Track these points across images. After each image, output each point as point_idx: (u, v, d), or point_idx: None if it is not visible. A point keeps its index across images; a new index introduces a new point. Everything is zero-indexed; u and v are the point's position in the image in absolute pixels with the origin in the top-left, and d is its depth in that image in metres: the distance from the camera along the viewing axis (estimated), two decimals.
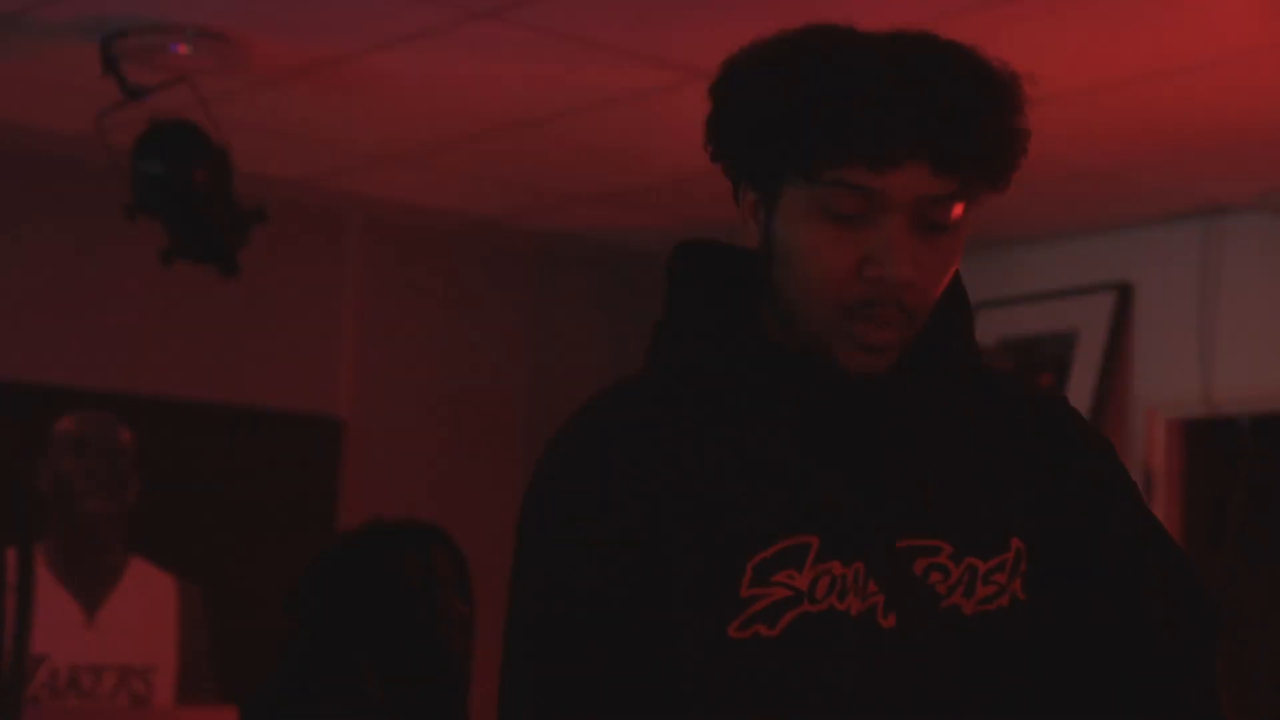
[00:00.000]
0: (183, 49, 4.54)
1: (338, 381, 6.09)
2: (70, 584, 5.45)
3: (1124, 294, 6.32)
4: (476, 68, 4.85)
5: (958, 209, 1.95)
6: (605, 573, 1.99)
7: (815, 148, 1.91)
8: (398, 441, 6.11)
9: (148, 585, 5.57)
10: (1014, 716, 2.02)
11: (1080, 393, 6.25)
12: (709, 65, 4.52)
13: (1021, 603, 1.99)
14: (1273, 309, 6.04)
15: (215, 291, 5.00)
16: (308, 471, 5.95)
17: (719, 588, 1.91)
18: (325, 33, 4.62)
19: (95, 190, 4.87)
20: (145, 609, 5.58)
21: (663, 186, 5.89)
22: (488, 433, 6.32)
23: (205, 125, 4.63)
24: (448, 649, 3.91)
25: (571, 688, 1.99)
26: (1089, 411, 6.17)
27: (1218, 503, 6.34)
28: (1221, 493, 6.24)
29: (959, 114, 1.93)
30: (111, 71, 4.49)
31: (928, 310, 2.01)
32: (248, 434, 5.82)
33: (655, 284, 6.43)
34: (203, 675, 5.66)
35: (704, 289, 2.09)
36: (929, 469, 2.01)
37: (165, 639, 5.61)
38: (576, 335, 6.60)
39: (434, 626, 3.84)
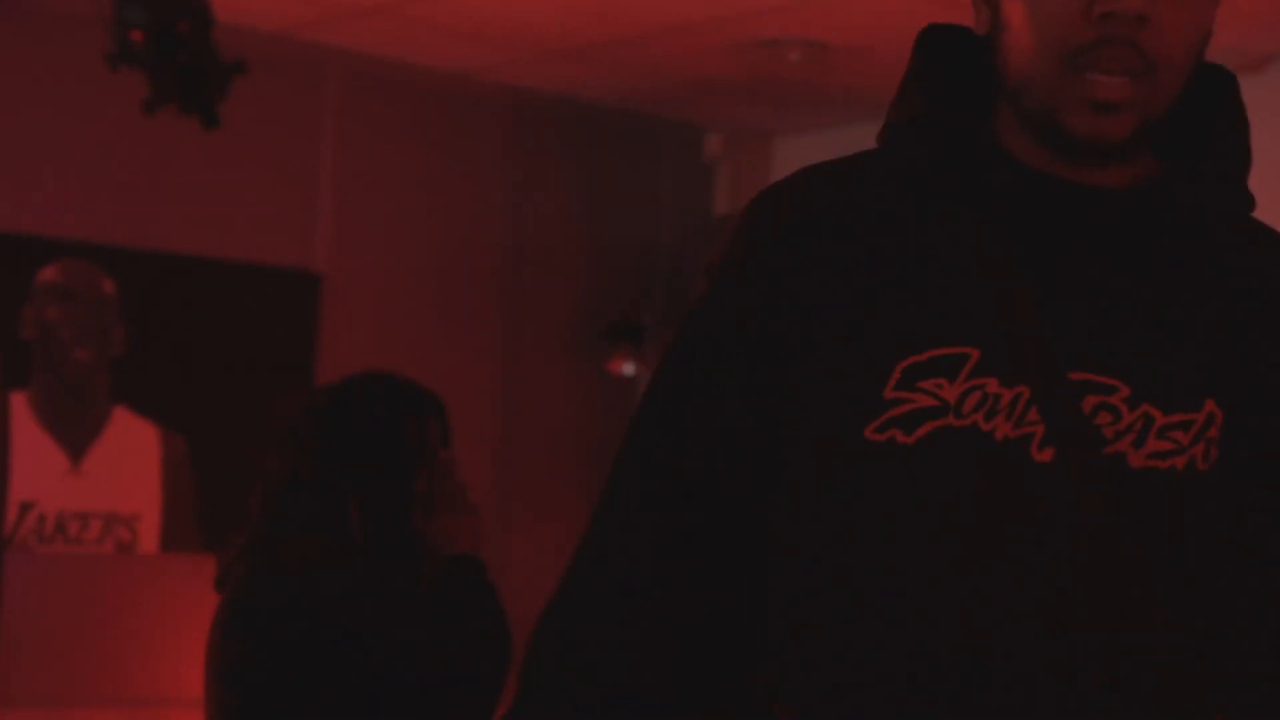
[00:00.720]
0: None
1: (316, 236, 6.05)
2: (56, 432, 5.46)
3: None
4: None
5: None
6: (750, 347, 1.88)
7: None
8: (375, 296, 6.09)
9: (132, 434, 5.59)
10: (1157, 587, 1.82)
11: None
12: None
13: (1201, 472, 1.81)
14: None
15: (196, 144, 4.86)
16: (287, 324, 5.93)
17: (864, 386, 1.79)
18: None
19: (78, 40, 4.78)
20: (130, 457, 5.59)
21: (631, 41, 5.79)
22: (464, 288, 6.28)
23: None
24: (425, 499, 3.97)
25: (681, 460, 1.89)
26: None
27: None
28: None
29: None
30: None
31: (1172, 68, 1.81)
32: (228, 286, 5.78)
33: (625, 139, 6.24)
34: (186, 523, 5.68)
35: (928, 64, 1.96)
36: (1131, 300, 1.83)
37: (149, 487, 5.63)
38: (550, 188, 6.52)
39: (419, 475, 3.95)
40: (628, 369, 6.35)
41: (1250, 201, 1.91)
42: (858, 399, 1.77)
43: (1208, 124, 1.89)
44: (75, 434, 5.53)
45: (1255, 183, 1.96)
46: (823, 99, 5.92)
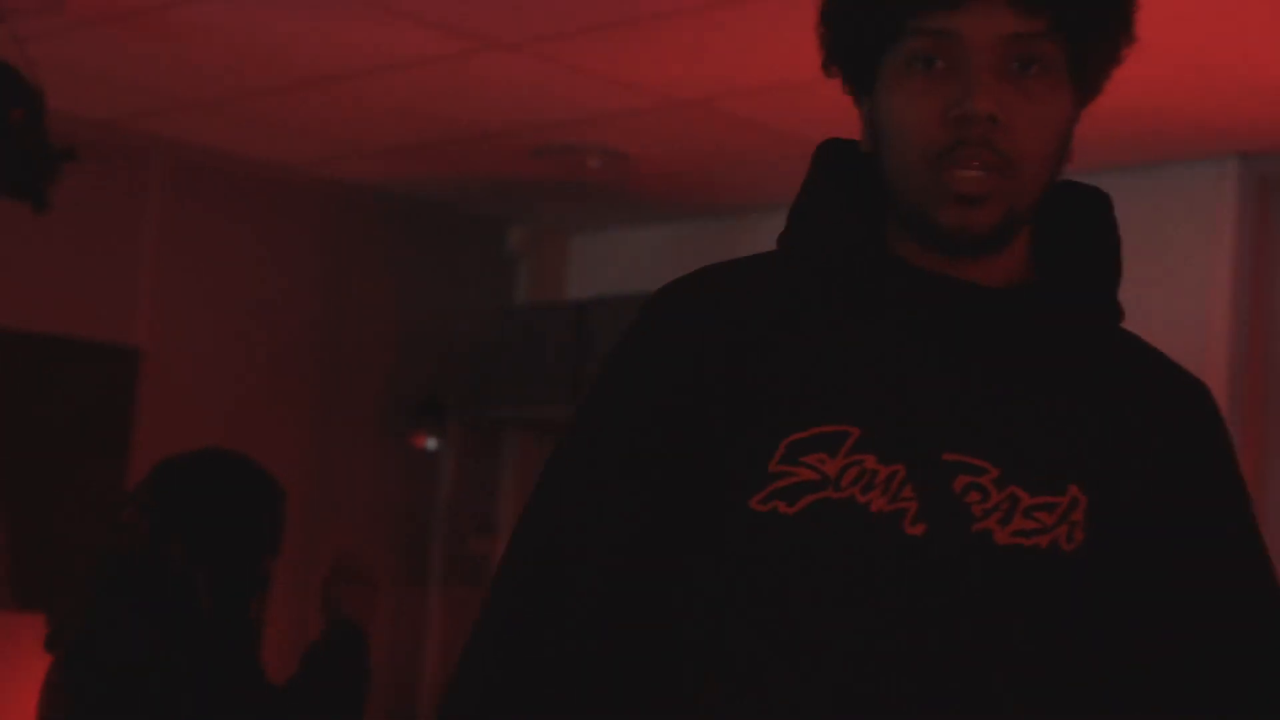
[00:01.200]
0: None
1: (137, 313, 5.98)
2: None
3: None
4: (282, 23, 4.78)
5: (1049, 49, 1.82)
6: (656, 415, 1.92)
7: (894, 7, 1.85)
8: (192, 371, 6.04)
9: None
10: (1015, 661, 1.86)
11: None
12: (496, 35, 4.51)
13: (1064, 551, 1.83)
14: None
15: (21, 221, 4.84)
16: (104, 397, 5.87)
17: (751, 460, 1.83)
18: None
19: None
20: None
21: (442, 143, 5.86)
22: (279, 366, 6.26)
23: (20, 65, 4.52)
24: (266, 584, 3.90)
25: (584, 523, 1.92)
26: None
27: None
28: None
29: None
30: None
31: (1028, 163, 1.84)
32: (47, 360, 5.73)
33: (433, 231, 6.26)
34: (2, 588, 5.68)
35: (821, 175, 2.00)
36: (1004, 390, 1.88)
37: None
38: (362, 275, 6.53)
39: (264, 561, 3.83)
40: (430, 444, 6.35)
41: (1118, 312, 1.94)
42: (746, 472, 1.81)
43: (1082, 238, 1.94)
44: None
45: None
46: (619, 200, 6.02)
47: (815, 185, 1.96)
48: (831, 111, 5.36)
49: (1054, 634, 1.82)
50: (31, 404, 5.74)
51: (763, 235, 6.06)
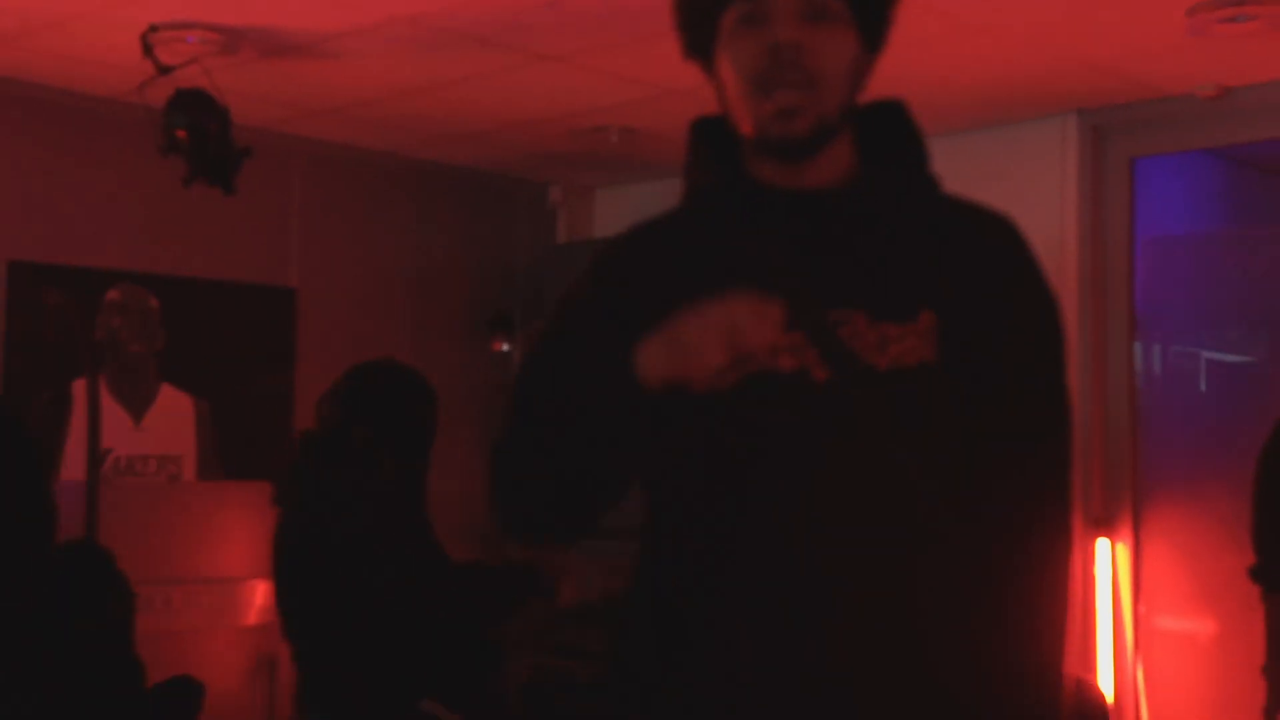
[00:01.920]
0: (193, 40, 4.57)
1: (290, 262, 6.09)
2: (122, 402, 5.58)
3: None
4: (388, 54, 4.84)
5: (835, 3, 1.84)
6: (595, 331, 1.93)
7: None
8: (334, 306, 6.15)
9: (173, 402, 5.72)
10: (912, 448, 1.85)
11: None
12: (541, 50, 4.31)
13: (929, 363, 1.84)
14: None
15: (212, 201, 4.95)
16: (272, 324, 5.99)
17: None
18: (292, 28, 4.60)
19: (137, 138, 4.83)
20: (173, 418, 5.72)
21: (500, 129, 5.85)
22: (394, 298, 6.33)
23: (213, 93, 4.67)
24: (428, 462, 3.99)
25: (544, 390, 1.92)
26: None
27: None
28: None
29: None
30: (148, 55, 4.52)
31: (830, 80, 1.86)
32: (232, 298, 5.88)
33: (501, 193, 6.60)
34: (212, 462, 5.83)
35: (697, 139, 2.01)
36: (857, 257, 1.88)
37: (187, 437, 5.75)
38: (450, 230, 6.56)
39: (426, 442, 3.97)
40: (504, 347, 6.46)
41: (934, 181, 1.96)
42: None
43: (890, 138, 1.96)
44: (135, 403, 5.63)
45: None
46: (632, 164, 6.11)
47: (691, 147, 2.00)
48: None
49: (929, 422, 1.84)
50: (223, 331, 5.86)
51: None
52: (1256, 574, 3.78)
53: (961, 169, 5.76)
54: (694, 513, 1.85)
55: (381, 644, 3.74)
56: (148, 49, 4.53)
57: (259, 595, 5.76)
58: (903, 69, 4.61)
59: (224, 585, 5.70)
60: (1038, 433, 1.90)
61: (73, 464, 5.32)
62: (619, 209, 6.77)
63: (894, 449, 1.81)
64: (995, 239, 1.93)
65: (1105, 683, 5.26)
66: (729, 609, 1.81)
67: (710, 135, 1.95)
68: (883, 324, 1.80)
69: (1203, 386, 5.78)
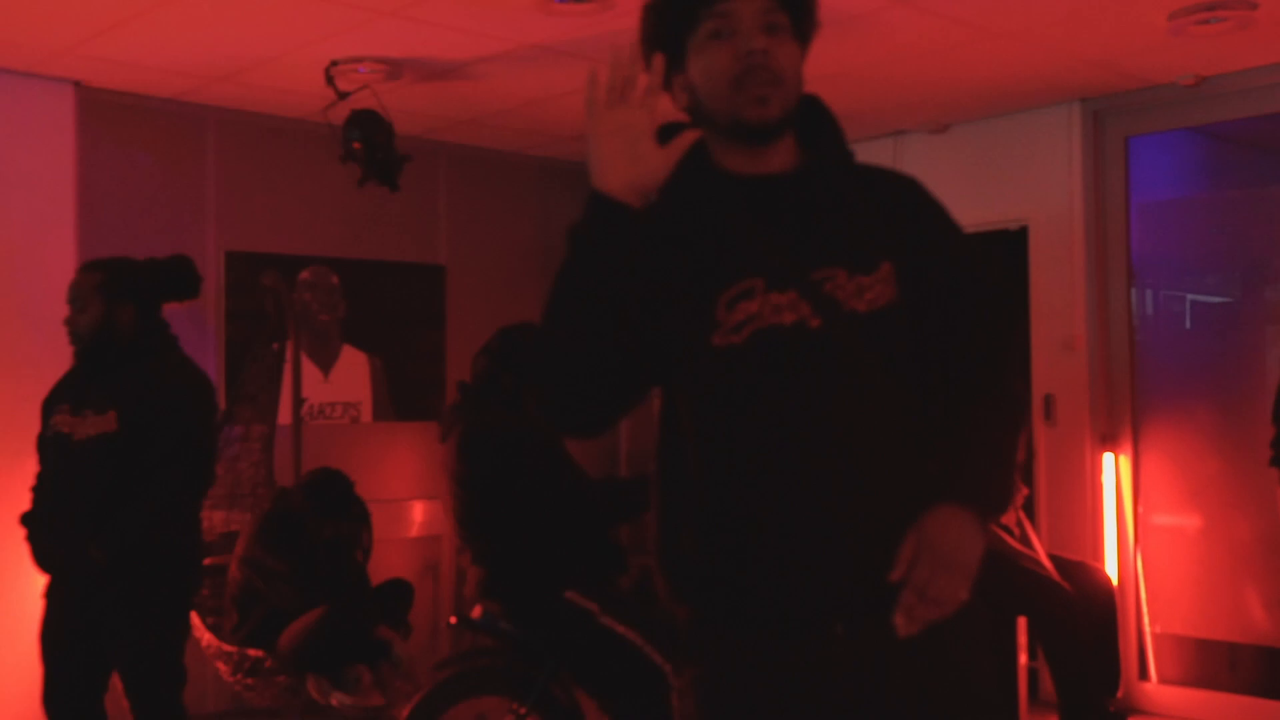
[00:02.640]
0: (362, 70, 4.67)
1: (439, 244, 6.08)
2: (314, 360, 5.64)
3: None
4: (509, 73, 4.81)
5: (782, 19, 1.86)
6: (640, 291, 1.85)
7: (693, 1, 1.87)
8: (474, 278, 6.13)
9: (353, 359, 5.76)
10: (895, 367, 1.87)
11: None
12: None
13: (894, 301, 1.86)
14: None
15: (378, 196, 5.07)
16: (426, 294, 5.98)
17: (698, 314, 1.83)
18: (440, 58, 4.64)
19: (325, 151, 4.96)
20: (353, 371, 5.76)
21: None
22: (518, 273, 6.25)
23: (380, 111, 4.79)
24: None
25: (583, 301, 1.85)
26: None
27: None
28: None
29: None
30: (330, 84, 4.68)
31: (790, 76, 1.88)
32: (397, 275, 5.88)
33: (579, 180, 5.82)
34: (385, 406, 5.85)
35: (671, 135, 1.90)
36: (822, 226, 1.89)
37: (364, 387, 5.79)
38: (557, 211, 6.37)
39: None
40: None
41: (852, 156, 1.96)
42: (698, 322, 1.81)
43: (818, 129, 1.95)
44: (324, 360, 5.68)
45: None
46: None
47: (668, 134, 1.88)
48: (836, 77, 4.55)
49: (898, 344, 1.86)
50: (389, 301, 5.86)
51: None
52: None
53: (985, 148, 5.97)
54: (727, 431, 1.83)
55: (535, 545, 3.74)
56: (330, 79, 4.69)
57: (420, 513, 5.85)
58: (934, 69, 4.86)
59: (393, 505, 5.76)
60: (982, 289, 1.94)
61: (280, 410, 5.34)
62: None
63: (877, 371, 1.83)
64: (910, 195, 1.95)
65: (1110, 568, 5.28)
66: (766, 481, 1.81)
67: (674, 134, 1.88)
68: (857, 276, 1.83)
69: (1188, 324, 5.68)
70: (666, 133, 1.83)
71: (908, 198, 1.95)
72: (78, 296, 3.43)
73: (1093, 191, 5.41)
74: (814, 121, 1.94)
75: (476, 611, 3.88)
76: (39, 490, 3.52)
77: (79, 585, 3.35)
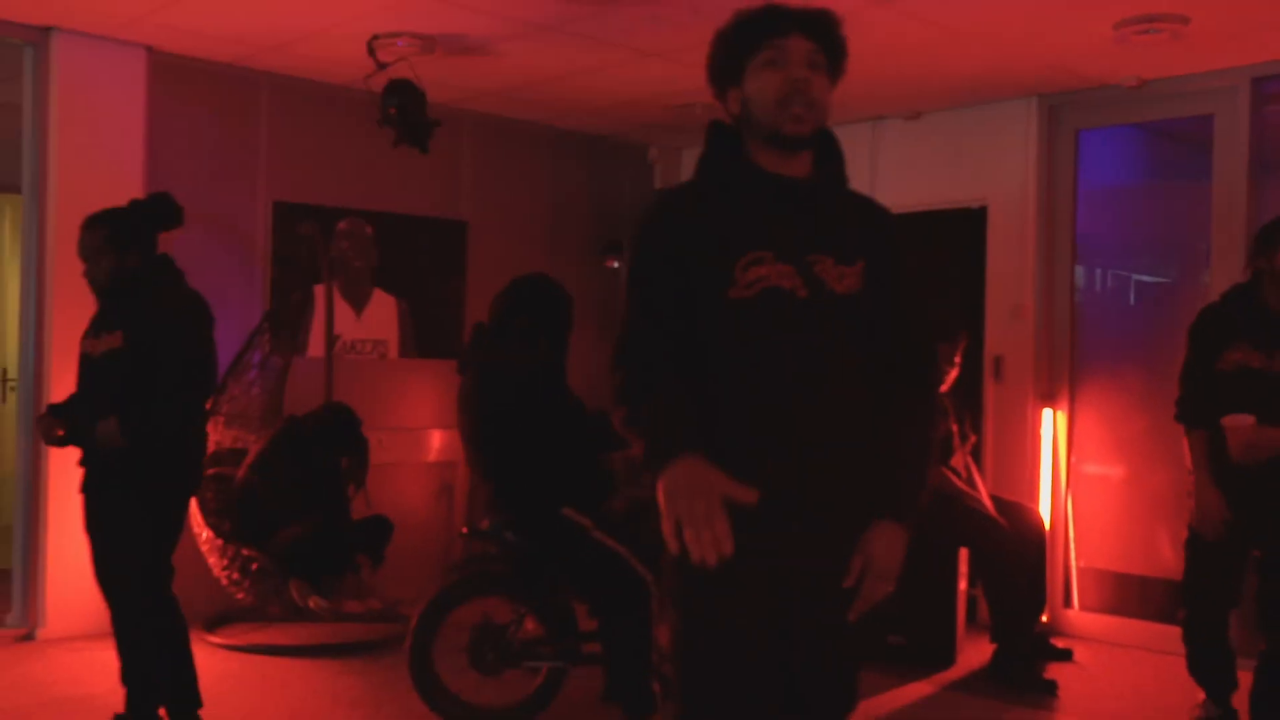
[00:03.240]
0: (400, 44, 4.76)
1: (462, 201, 6.10)
2: (348, 300, 5.71)
3: None
4: (538, 52, 4.87)
5: (820, 58, 2.10)
6: (666, 259, 2.13)
7: (757, 32, 2.12)
8: (495, 233, 6.17)
9: (383, 301, 5.82)
10: (854, 338, 2.11)
11: None
12: (644, 48, 4.40)
13: (862, 289, 2.11)
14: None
15: (408, 160, 5.14)
16: (448, 249, 6.01)
17: (720, 275, 2.07)
18: (469, 34, 4.66)
19: (364, 114, 5.03)
20: (382, 312, 5.82)
21: (616, 105, 5.67)
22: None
23: (415, 81, 4.86)
24: (567, 345, 3.87)
25: (644, 303, 2.12)
26: None
27: None
28: None
29: (813, 16, 2.14)
30: (371, 56, 4.77)
31: (821, 104, 2.10)
32: (420, 230, 5.92)
33: (615, 152, 6.26)
34: (408, 344, 5.90)
35: (715, 136, 2.23)
36: (822, 222, 2.14)
37: (392, 327, 5.84)
38: (578, 178, 6.50)
39: (568, 330, 3.88)
40: (614, 265, 6.37)
41: (845, 181, 2.22)
42: (719, 281, 2.07)
43: (831, 149, 2.19)
44: (357, 302, 5.73)
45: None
46: None
47: (711, 139, 2.21)
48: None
49: (860, 326, 2.12)
50: (416, 251, 5.88)
51: None
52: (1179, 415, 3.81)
53: (953, 135, 6.17)
54: (734, 362, 2.09)
55: (538, 466, 3.79)
56: (371, 51, 4.80)
57: (437, 440, 5.97)
58: (909, 64, 5.07)
59: (413, 433, 5.89)
60: (919, 312, 2.24)
61: (315, 345, 5.56)
62: None
63: (843, 338, 2.10)
64: (886, 222, 2.23)
65: (1044, 509, 5.45)
66: (757, 409, 2.08)
67: (721, 131, 2.19)
68: (840, 266, 2.10)
69: (1125, 300, 5.77)
70: (714, 130, 2.13)
71: (884, 223, 2.22)
72: (89, 252, 3.51)
73: (1045, 177, 5.50)
74: (827, 147, 2.19)
75: (485, 523, 3.99)
76: (71, 398, 3.64)
77: (95, 476, 3.49)
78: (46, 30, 4.86)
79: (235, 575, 4.83)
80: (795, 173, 2.14)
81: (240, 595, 4.89)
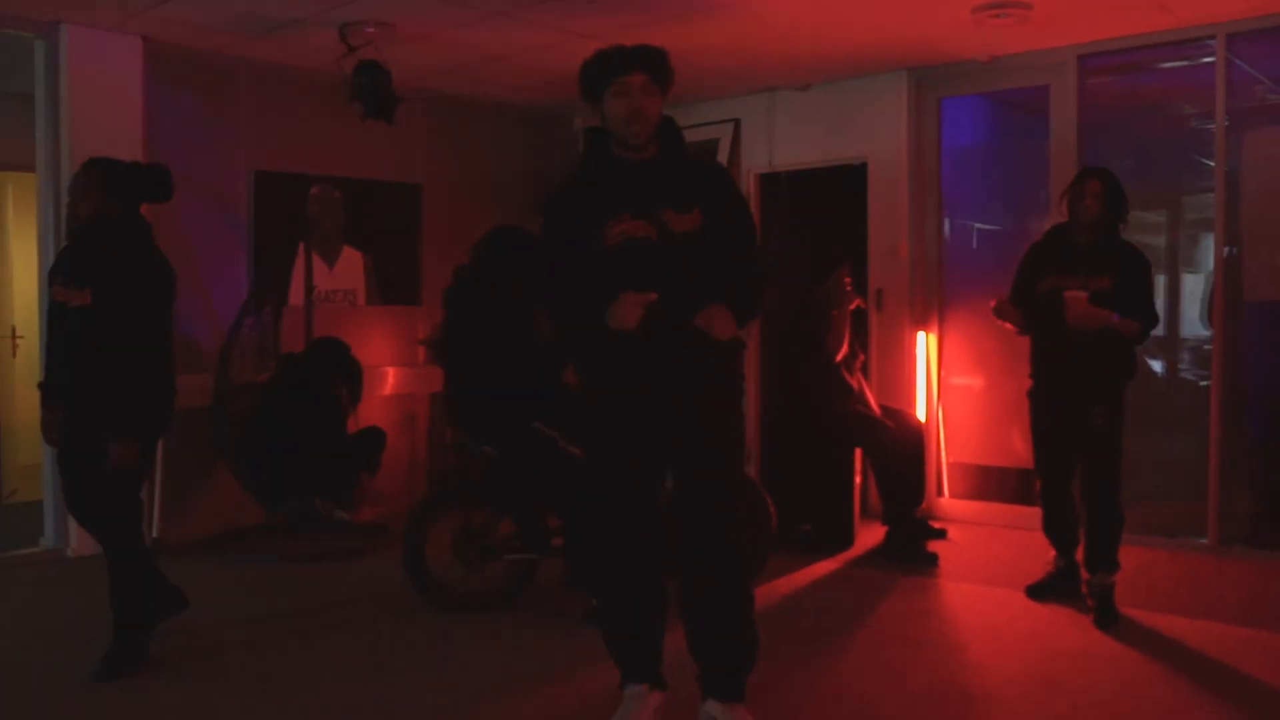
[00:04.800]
0: (370, 30, 4.92)
1: (417, 166, 6.18)
2: (322, 256, 5.82)
3: (737, 125, 6.33)
4: (493, 33, 4.92)
5: (654, 86, 2.62)
6: (561, 227, 2.68)
7: (609, 71, 2.60)
8: (445, 195, 6.23)
9: (351, 256, 5.91)
10: (694, 264, 2.58)
11: (722, 162, 6.16)
12: (582, 30, 4.40)
13: (699, 228, 2.60)
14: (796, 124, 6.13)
15: (371, 133, 5.30)
16: (405, 209, 6.11)
17: (594, 233, 2.60)
18: (424, 20, 4.79)
19: (332, 94, 5.25)
20: (350, 266, 5.87)
21: (558, 82, 5.62)
22: (481, 192, 6.32)
23: (382, 61, 5.03)
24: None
25: (550, 257, 2.65)
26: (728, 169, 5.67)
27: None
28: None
29: (647, 54, 2.61)
30: (343, 40, 4.95)
31: (653, 119, 2.62)
32: (383, 193, 6.01)
33: (549, 121, 6.76)
34: (373, 294, 6.00)
35: (592, 137, 2.74)
36: (666, 188, 2.61)
37: (359, 278, 5.96)
38: (519, 144, 6.53)
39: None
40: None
41: (687, 152, 2.68)
42: (594, 237, 2.59)
43: (673, 137, 2.68)
44: (329, 256, 5.83)
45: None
46: None
47: (587, 142, 2.73)
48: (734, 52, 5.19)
49: (699, 256, 2.58)
50: (379, 212, 5.95)
51: (703, 112, 6.53)
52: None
53: (838, 103, 6.37)
54: (612, 290, 2.57)
55: (511, 386, 3.95)
56: (343, 37, 5.02)
57: (396, 375, 6.04)
58: (800, 42, 5.30)
59: (374, 370, 5.93)
60: (749, 238, 2.71)
61: (295, 294, 5.68)
62: None
63: (684, 265, 2.56)
64: (712, 174, 2.70)
65: (921, 414, 5.84)
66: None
67: (594, 136, 2.70)
68: (679, 214, 2.60)
69: (985, 242, 6.03)
70: (589, 133, 2.60)
71: (713, 177, 2.72)
72: (80, 189, 3.39)
73: (915, 138, 5.81)
74: (669, 134, 2.67)
75: (465, 438, 4.17)
76: (48, 350, 3.53)
77: (76, 417, 3.44)
78: (56, 24, 4.97)
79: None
80: (643, 157, 2.66)
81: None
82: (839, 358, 5.09)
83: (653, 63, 2.63)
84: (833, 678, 3.43)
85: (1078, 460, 4.03)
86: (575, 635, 3.80)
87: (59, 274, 3.45)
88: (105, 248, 3.36)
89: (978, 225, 6.02)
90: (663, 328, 2.58)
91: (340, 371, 5.13)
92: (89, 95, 5.00)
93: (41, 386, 3.57)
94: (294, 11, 4.80)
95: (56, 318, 3.45)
